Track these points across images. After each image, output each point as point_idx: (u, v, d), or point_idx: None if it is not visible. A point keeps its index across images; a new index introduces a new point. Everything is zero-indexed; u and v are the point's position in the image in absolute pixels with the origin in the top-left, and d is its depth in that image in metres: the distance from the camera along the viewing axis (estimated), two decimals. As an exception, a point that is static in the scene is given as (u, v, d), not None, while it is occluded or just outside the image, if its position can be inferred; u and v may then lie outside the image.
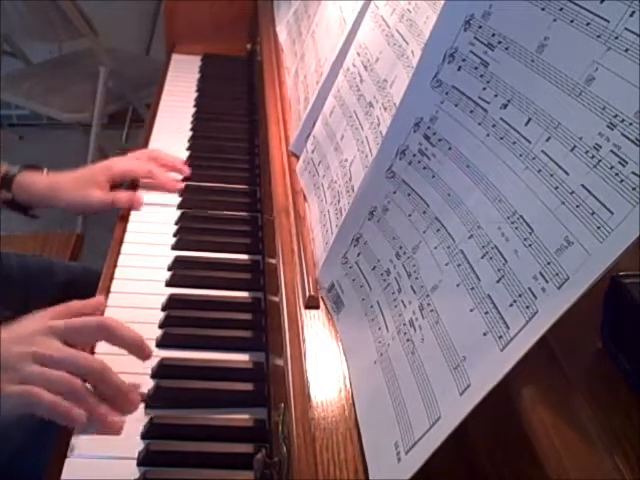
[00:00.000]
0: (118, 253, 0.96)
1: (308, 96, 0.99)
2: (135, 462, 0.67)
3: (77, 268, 1.17)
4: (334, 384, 0.61)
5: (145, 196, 1.08)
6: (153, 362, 0.77)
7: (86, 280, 1.05)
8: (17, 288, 1.05)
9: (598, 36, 0.45)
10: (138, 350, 0.74)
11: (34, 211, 1.09)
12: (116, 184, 1.07)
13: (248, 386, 0.76)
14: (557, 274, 0.43)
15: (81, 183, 1.05)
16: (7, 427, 0.73)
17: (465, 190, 0.54)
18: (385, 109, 0.71)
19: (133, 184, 1.10)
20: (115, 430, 0.70)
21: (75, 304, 0.77)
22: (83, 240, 1.46)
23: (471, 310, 0.49)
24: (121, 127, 2.61)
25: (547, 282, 0.44)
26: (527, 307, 0.45)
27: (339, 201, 0.74)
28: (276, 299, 0.74)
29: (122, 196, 1.06)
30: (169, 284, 0.91)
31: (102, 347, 0.79)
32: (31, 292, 1.06)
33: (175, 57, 1.62)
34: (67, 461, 0.67)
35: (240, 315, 0.86)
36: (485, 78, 0.54)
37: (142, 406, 0.73)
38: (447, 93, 0.58)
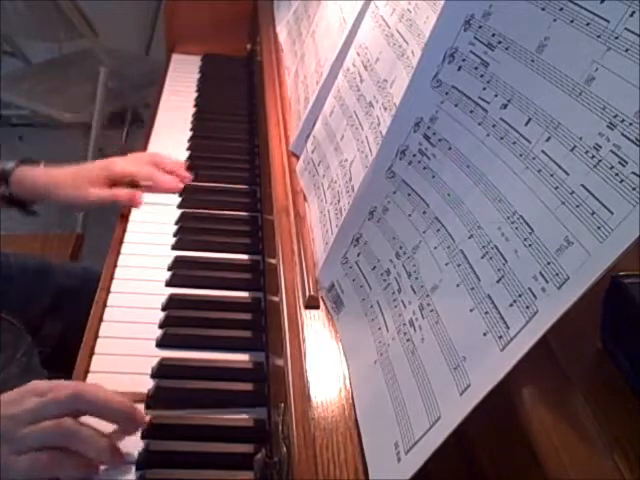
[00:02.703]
0: (118, 253, 0.96)
1: (308, 96, 0.99)
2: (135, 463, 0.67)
3: (77, 269, 1.16)
4: (334, 384, 0.60)
5: (145, 196, 1.08)
6: (153, 362, 0.77)
7: (86, 281, 1.05)
8: (16, 289, 1.05)
9: (598, 36, 0.45)
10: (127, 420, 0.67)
11: (33, 207, 1.08)
12: (115, 185, 1.07)
13: (248, 386, 0.76)
14: (557, 274, 0.43)
15: (79, 180, 1.04)
16: None
17: (465, 190, 0.54)
18: (385, 109, 0.71)
19: (133, 184, 1.10)
20: (119, 462, 0.66)
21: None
22: (83, 240, 1.46)
23: (471, 310, 0.49)
24: (121, 127, 2.61)
25: (547, 282, 0.44)
26: (527, 307, 0.45)
27: (339, 201, 0.74)
28: (276, 299, 0.74)
29: (122, 192, 1.06)
30: (169, 284, 0.91)
31: (100, 348, 0.80)
32: (30, 293, 1.06)
33: (175, 57, 1.63)
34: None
35: (240, 315, 0.86)
36: (485, 78, 0.54)
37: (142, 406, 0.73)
38: (447, 93, 0.58)
